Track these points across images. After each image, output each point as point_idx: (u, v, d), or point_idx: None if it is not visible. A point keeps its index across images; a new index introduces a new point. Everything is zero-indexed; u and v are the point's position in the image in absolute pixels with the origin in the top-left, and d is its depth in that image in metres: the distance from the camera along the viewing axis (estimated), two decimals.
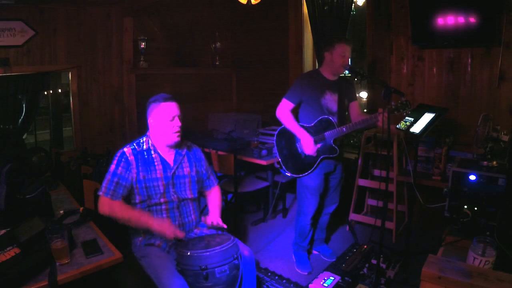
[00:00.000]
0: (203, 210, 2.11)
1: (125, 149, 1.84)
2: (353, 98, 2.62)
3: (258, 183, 3.52)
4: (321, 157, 2.49)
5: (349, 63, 2.49)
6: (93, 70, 3.88)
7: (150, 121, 1.88)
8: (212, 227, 1.95)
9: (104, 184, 1.80)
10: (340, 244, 3.07)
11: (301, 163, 2.52)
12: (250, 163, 3.42)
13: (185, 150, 1.98)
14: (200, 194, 2.10)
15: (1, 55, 3.24)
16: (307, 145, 2.44)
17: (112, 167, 1.81)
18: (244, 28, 4.79)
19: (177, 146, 1.94)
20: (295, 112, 2.56)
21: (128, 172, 1.80)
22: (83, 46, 3.76)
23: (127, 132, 4.08)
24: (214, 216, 1.96)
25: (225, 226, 1.91)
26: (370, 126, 2.46)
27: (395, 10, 3.23)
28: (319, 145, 2.49)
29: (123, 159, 1.81)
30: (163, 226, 1.73)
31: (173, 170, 1.89)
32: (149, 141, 1.89)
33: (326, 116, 2.46)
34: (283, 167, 2.56)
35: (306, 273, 2.62)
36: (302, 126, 2.50)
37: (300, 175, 2.54)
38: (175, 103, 1.87)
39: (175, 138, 1.86)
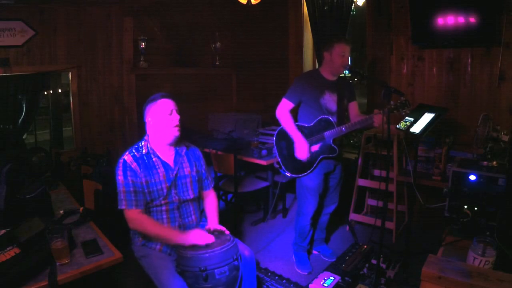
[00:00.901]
0: (203, 211, 2.11)
1: (126, 157, 1.82)
2: (352, 98, 2.62)
3: (258, 183, 3.52)
4: (320, 157, 2.50)
5: (349, 63, 2.49)
6: (93, 70, 3.88)
7: (148, 119, 1.87)
8: (211, 232, 1.96)
9: (122, 197, 1.77)
10: (340, 244, 3.07)
11: (301, 163, 2.52)
12: (250, 163, 3.42)
13: (184, 150, 1.98)
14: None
15: (1, 55, 3.24)
16: (301, 149, 2.44)
17: (120, 178, 1.78)
18: (244, 28, 4.79)
19: (177, 144, 1.93)
20: (295, 112, 2.56)
21: (137, 178, 1.79)
22: (83, 46, 3.76)
23: (127, 132, 4.08)
24: (213, 223, 1.96)
25: (226, 231, 1.90)
26: (367, 127, 2.46)
27: (395, 10, 3.23)
28: (317, 147, 2.49)
29: (128, 168, 1.79)
30: (192, 239, 1.74)
31: (175, 171, 1.89)
32: (148, 145, 1.88)
33: (325, 116, 2.46)
34: (283, 167, 2.56)
35: (306, 273, 2.62)
36: (302, 126, 2.50)
37: (300, 175, 2.54)
38: (172, 100, 1.88)
39: (175, 132, 1.85)
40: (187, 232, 1.81)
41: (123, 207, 1.78)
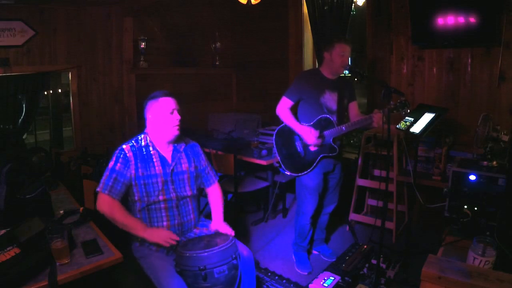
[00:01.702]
0: (203, 210, 2.10)
1: (124, 146, 1.85)
2: (353, 98, 2.62)
3: (258, 183, 3.52)
4: (320, 156, 2.50)
5: (349, 63, 2.49)
6: (93, 70, 3.88)
7: (149, 116, 1.88)
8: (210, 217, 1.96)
9: (103, 180, 1.80)
10: (340, 244, 3.07)
11: (300, 162, 2.53)
12: (250, 163, 3.42)
13: (182, 146, 1.98)
14: (200, 192, 2.10)
15: (1, 55, 3.24)
16: (308, 135, 2.42)
17: (111, 163, 1.81)
18: (244, 28, 4.79)
19: (176, 141, 1.94)
20: (294, 111, 2.56)
21: (126, 168, 1.80)
22: (83, 46, 3.76)
23: (127, 132, 4.08)
24: (218, 223, 1.96)
25: (232, 233, 1.88)
26: (367, 127, 2.46)
27: (395, 10, 3.23)
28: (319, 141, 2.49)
29: (121, 156, 1.81)
30: (157, 237, 1.73)
31: (171, 167, 1.89)
32: (147, 137, 1.89)
33: (325, 115, 2.46)
34: (282, 166, 2.56)
35: (306, 273, 2.62)
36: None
37: (299, 174, 2.54)
38: (173, 98, 1.88)
39: (175, 131, 1.86)
40: (153, 228, 1.80)
41: (98, 190, 1.79)
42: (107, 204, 1.77)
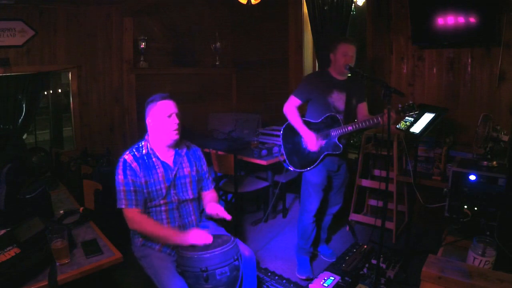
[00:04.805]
0: (203, 211, 2.10)
1: (126, 157, 1.82)
2: (362, 99, 2.61)
3: (258, 183, 3.52)
4: (324, 153, 2.50)
5: (351, 63, 2.48)
6: (93, 70, 3.88)
7: (149, 121, 1.87)
8: (211, 218, 1.94)
9: (122, 196, 1.77)
10: (340, 244, 3.07)
11: (305, 158, 2.54)
12: (250, 163, 3.42)
13: (184, 150, 1.98)
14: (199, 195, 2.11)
15: (1, 55, 3.24)
16: (310, 141, 2.46)
17: (121, 177, 1.79)
18: (244, 28, 4.79)
19: (176, 145, 1.93)
20: (303, 110, 2.58)
21: (137, 177, 1.79)
22: (83, 46, 3.76)
23: (127, 132, 4.08)
24: (214, 207, 1.93)
25: (228, 217, 1.87)
26: (375, 126, 2.46)
27: (395, 10, 3.24)
28: (323, 142, 2.49)
29: (128, 167, 1.79)
30: (192, 239, 1.72)
31: (174, 171, 1.89)
32: (148, 145, 1.88)
33: (332, 114, 2.47)
34: (287, 161, 2.58)
35: (304, 277, 2.57)
36: (308, 122, 2.52)
37: (302, 170, 2.55)
38: (172, 101, 1.86)
39: (173, 136, 1.85)
40: (186, 232, 1.80)
41: (123, 206, 1.78)
42: (137, 222, 1.77)
